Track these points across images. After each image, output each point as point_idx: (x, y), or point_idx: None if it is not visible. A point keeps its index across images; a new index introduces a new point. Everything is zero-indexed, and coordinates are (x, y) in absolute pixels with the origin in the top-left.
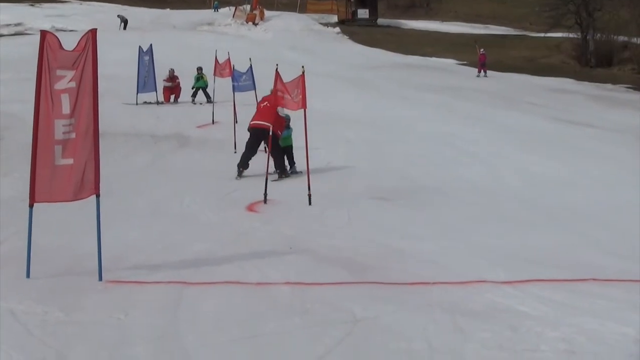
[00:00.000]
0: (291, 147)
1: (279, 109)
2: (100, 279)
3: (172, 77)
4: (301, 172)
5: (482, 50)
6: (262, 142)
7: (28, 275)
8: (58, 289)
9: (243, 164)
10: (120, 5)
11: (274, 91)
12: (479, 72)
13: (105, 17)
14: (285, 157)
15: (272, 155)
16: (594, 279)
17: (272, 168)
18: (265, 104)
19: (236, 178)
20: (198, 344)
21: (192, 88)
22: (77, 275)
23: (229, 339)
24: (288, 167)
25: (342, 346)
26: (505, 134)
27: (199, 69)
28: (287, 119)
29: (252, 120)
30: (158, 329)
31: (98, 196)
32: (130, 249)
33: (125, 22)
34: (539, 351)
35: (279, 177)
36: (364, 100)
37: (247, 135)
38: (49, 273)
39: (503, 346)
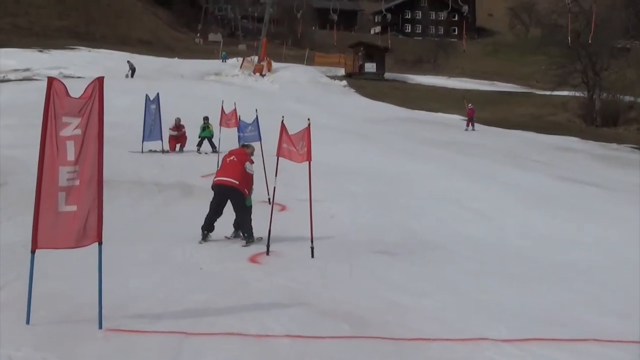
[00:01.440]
0: (250, 208)
1: (247, 165)
2: (100, 327)
3: (178, 126)
4: (261, 238)
5: (470, 105)
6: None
7: (28, 322)
8: (57, 336)
9: (208, 227)
10: (128, 54)
11: (279, 144)
12: (467, 126)
13: (113, 65)
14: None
15: (238, 219)
16: (595, 339)
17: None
18: (232, 158)
19: (200, 242)
20: None
21: (199, 137)
22: (77, 322)
23: None
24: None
25: None
26: (510, 191)
27: (206, 119)
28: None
29: (216, 177)
30: None
31: (100, 244)
32: (131, 297)
33: (133, 70)
34: None
35: (247, 243)
36: (369, 153)
37: None
38: (49, 320)
39: None
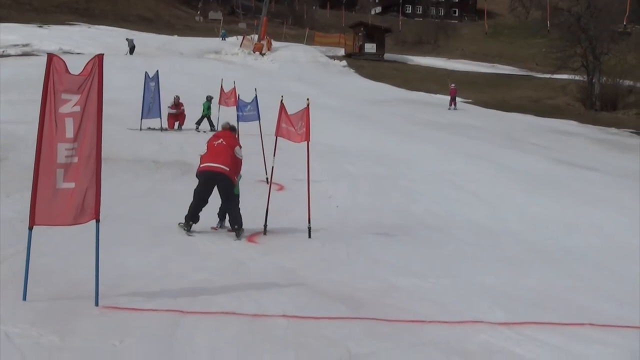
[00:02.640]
0: (238, 196)
1: (237, 149)
2: (97, 304)
3: (177, 104)
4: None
5: (453, 85)
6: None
7: (25, 298)
8: (54, 313)
9: (193, 217)
10: (128, 30)
11: (277, 123)
12: (450, 105)
13: (113, 42)
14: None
15: (226, 208)
16: (590, 324)
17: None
18: (219, 141)
19: (186, 234)
20: None
21: (207, 116)
22: (74, 299)
23: None
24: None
25: None
26: (508, 174)
27: (210, 98)
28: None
29: (202, 162)
30: (152, 358)
31: (98, 221)
32: (128, 275)
33: (132, 47)
34: None
35: (237, 236)
36: (368, 134)
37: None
38: (46, 296)
39: None
